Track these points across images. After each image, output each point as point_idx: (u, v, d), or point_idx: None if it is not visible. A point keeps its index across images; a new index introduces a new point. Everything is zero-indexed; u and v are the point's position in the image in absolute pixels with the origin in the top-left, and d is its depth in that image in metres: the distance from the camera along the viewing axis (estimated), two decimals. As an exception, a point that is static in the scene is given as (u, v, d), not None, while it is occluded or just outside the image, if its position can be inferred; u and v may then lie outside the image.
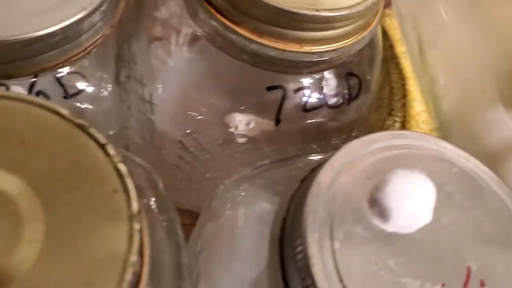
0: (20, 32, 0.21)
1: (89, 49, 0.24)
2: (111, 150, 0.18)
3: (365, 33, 0.26)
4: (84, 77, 0.26)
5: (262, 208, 0.26)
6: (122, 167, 0.18)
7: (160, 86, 0.28)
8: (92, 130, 0.18)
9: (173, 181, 0.33)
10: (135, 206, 0.17)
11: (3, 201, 0.16)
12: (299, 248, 0.19)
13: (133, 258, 0.16)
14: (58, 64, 0.23)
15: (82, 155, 0.18)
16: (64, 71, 0.25)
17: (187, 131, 0.28)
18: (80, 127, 0.18)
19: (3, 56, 0.22)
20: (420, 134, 0.21)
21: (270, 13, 0.23)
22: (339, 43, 0.25)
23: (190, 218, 0.30)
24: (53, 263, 0.16)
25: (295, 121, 0.27)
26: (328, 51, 0.25)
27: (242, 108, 0.27)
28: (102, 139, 0.18)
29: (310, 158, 0.27)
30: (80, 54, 0.24)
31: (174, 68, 0.28)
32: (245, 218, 0.26)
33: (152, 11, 0.29)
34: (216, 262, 0.24)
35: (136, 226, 0.17)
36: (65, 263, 0.16)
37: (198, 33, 0.26)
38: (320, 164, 0.20)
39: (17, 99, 0.18)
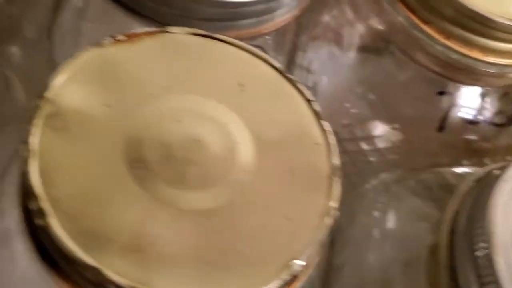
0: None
1: (278, 25, 0.26)
2: (316, 106, 0.19)
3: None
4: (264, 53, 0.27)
5: (413, 208, 0.26)
6: (325, 123, 0.19)
7: (326, 76, 0.29)
8: (301, 86, 0.19)
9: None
10: (336, 160, 0.18)
11: (224, 131, 0.18)
12: (480, 238, 0.19)
13: (333, 204, 0.17)
14: (251, 32, 0.25)
15: (290, 105, 0.19)
16: (250, 42, 0.26)
17: (344, 122, 0.29)
18: (290, 80, 0.19)
19: (208, 14, 0.23)
20: None
21: (462, 15, 0.24)
22: (522, 60, 0.25)
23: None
24: (258, 194, 0.17)
25: (455, 132, 0.28)
26: (509, 65, 0.25)
27: (406, 110, 0.28)
28: (309, 95, 0.19)
29: (463, 170, 0.27)
30: (271, 29, 0.25)
31: (340, 65, 0.30)
32: (396, 216, 0.26)
33: (319, 14, 0.31)
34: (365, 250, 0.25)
35: (336, 177, 0.18)
36: (269, 197, 0.17)
37: (379, 27, 0.27)
38: (507, 164, 0.20)
39: (236, 45, 0.20)
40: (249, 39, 0.26)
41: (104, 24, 0.27)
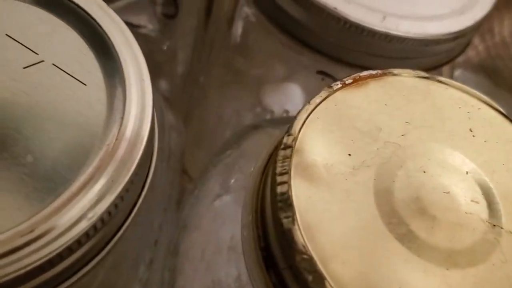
0: (423, 31, 0.22)
1: (454, 60, 0.25)
2: (549, 154, 0.18)
3: None
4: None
5: None
6: (562, 172, 0.18)
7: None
8: (530, 131, 0.18)
9: None
10: None
11: (468, 182, 0.17)
12: None
13: None
14: (430, 69, 0.24)
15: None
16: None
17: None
18: (518, 126, 0.18)
19: (401, 52, 0.23)
20: None
21: None
22: None
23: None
24: None
25: None
26: None
27: None
28: (540, 141, 0.18)
29: None
30: (449, 64, 0.24)
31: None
32: None
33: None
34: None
35: None
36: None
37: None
38: None
39: (457, 87, 0.19)
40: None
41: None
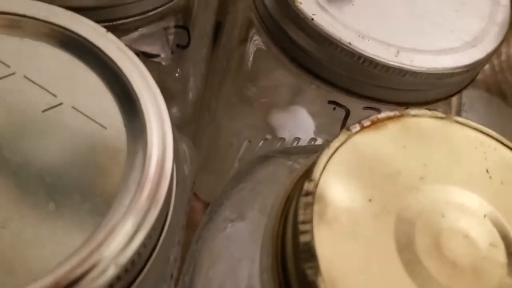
0: (437, 65, 0.22)
1: (463, 90, 0.25)
2: None
3: None
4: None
5: None
6: None
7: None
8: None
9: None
10: None
11: (486, 226, 0.17)
12: None
13: None
14: (440, 100, 0.24)
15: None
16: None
17: None
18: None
19: (413, 84, 0.23)
20: None
21: None
22: None
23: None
24: None
25: None
26: None
27: None
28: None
29: None
30: (458, 94, 0.25)
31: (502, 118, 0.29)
32: None
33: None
34: None
35: None
36: None
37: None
38: None
39: (473, 127, 0.19)
40: (425, 105, 0.26)
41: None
